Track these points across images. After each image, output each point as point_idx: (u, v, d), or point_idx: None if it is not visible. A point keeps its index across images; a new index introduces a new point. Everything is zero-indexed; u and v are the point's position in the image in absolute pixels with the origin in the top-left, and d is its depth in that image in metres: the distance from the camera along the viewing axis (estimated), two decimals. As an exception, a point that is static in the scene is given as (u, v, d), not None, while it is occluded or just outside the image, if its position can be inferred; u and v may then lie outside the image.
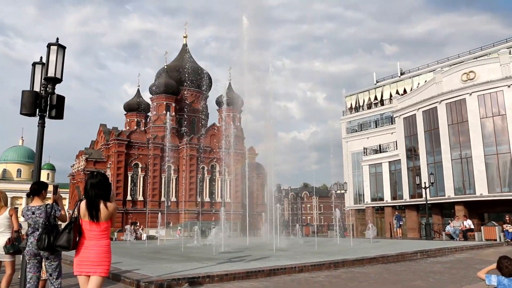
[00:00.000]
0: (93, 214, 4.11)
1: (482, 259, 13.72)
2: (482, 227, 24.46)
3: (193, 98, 66.49)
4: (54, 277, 5.08)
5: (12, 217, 7.22)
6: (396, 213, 33.01)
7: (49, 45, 6.10)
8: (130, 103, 62.53)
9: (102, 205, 4.14)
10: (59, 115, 6.29)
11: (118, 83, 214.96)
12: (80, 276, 4.13)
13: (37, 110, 6.16)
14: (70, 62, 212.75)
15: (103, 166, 56.90)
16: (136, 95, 63.76)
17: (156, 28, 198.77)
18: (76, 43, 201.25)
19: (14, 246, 6.64)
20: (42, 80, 6.30)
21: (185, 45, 69.81)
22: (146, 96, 64.41)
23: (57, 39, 6.18)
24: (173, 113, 61.40)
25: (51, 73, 6.04)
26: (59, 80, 6.13)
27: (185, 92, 65.40)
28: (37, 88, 6.42)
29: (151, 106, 63.07)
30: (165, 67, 64.50)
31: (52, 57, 6.08)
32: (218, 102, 65.98)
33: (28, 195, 5.50)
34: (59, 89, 6.35)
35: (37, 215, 5.12)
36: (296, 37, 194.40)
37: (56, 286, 5.06)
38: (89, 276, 4.07)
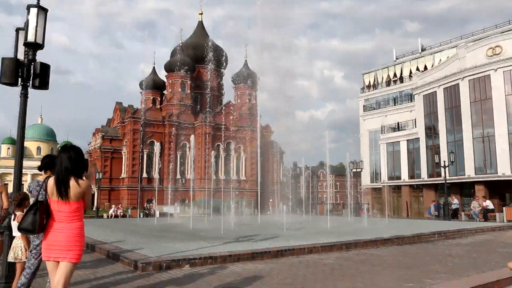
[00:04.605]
0: (62, 191, 3.60)
1: (504, 241, 13.02)
2: (504, 208, 23.66)
3: (208, 75, 65.62)
4: (32, 256, 4.65)
5: (2, 194, 6.90)
6: (434, 202, 30.96)
7: (28, 7, 5.53)
8: (145, 81, 62.26)
9: (72, 182, 3.62)
10: (43, 85, 5.79)
11: (134, 62, 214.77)
12: (48, 261, 3.66)
13: (19, 79, 5.67)
14: (88, 42, 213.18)
15: (119, 143, 57.24)
16: (151, 73, 63.39)
17: (171, 7, 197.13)
18: (94, 23, 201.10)
19: (1, 226, 6.33)
20: (24, 47, 5.77)
21: (200, 23, 68.55)
22: (162, 74, 64.07)
23: (38, 0, 5.61)
24: (189, 91, 60.94)
25: (31, 38, 5.51)
26: (40, 46, 5.59)
27: (201, 70, 64.61)
28: (21, 56, 5.92)
29: (166, 84, 62.70)
30: (181, 44, 63.67)
31: (32, 20, 5.52)
32: (234, 80, 65.12)
33: (39, 169, 4.97)
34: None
35: None
36: (314, 15, 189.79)
37: (29, 268, 4.60)
38: (58, 262, 3.61)
